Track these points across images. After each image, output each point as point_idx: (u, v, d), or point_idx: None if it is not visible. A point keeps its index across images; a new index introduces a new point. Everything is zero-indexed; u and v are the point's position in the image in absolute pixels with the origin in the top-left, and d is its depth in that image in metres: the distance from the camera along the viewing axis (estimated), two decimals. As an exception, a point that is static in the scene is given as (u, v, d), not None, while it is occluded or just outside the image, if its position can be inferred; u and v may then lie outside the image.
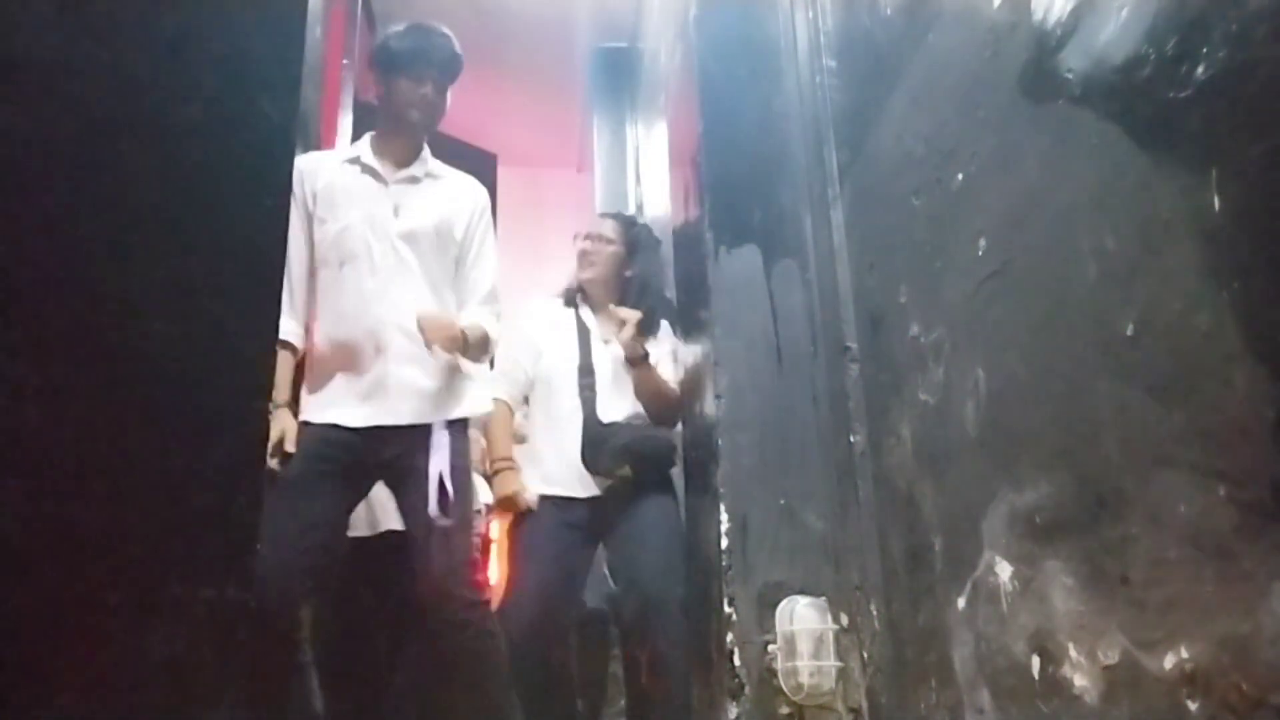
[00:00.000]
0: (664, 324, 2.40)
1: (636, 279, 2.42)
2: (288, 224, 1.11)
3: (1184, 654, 0.78)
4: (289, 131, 1.10)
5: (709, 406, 1.78)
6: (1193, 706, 0.76)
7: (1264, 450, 0.70)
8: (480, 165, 4.27)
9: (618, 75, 3.97)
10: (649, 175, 3.47)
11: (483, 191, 2.15)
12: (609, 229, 2.48)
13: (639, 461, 2.20)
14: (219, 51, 1.07)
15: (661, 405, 2.26)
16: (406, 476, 1.88)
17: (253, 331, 1.03)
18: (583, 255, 2.44)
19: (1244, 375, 0.72)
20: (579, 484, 2.24)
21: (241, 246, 1.04)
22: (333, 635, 2.38)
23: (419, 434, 1.89)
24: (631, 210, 3.60)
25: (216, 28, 1.08)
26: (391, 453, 1.88)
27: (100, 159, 0.99)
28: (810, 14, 1.90)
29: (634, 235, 2.50)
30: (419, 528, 1.84)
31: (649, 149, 3.45)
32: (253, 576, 0.96)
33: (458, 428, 1.96)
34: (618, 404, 2.27)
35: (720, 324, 1.78)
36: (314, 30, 2.42)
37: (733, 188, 1.86)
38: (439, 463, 1.86)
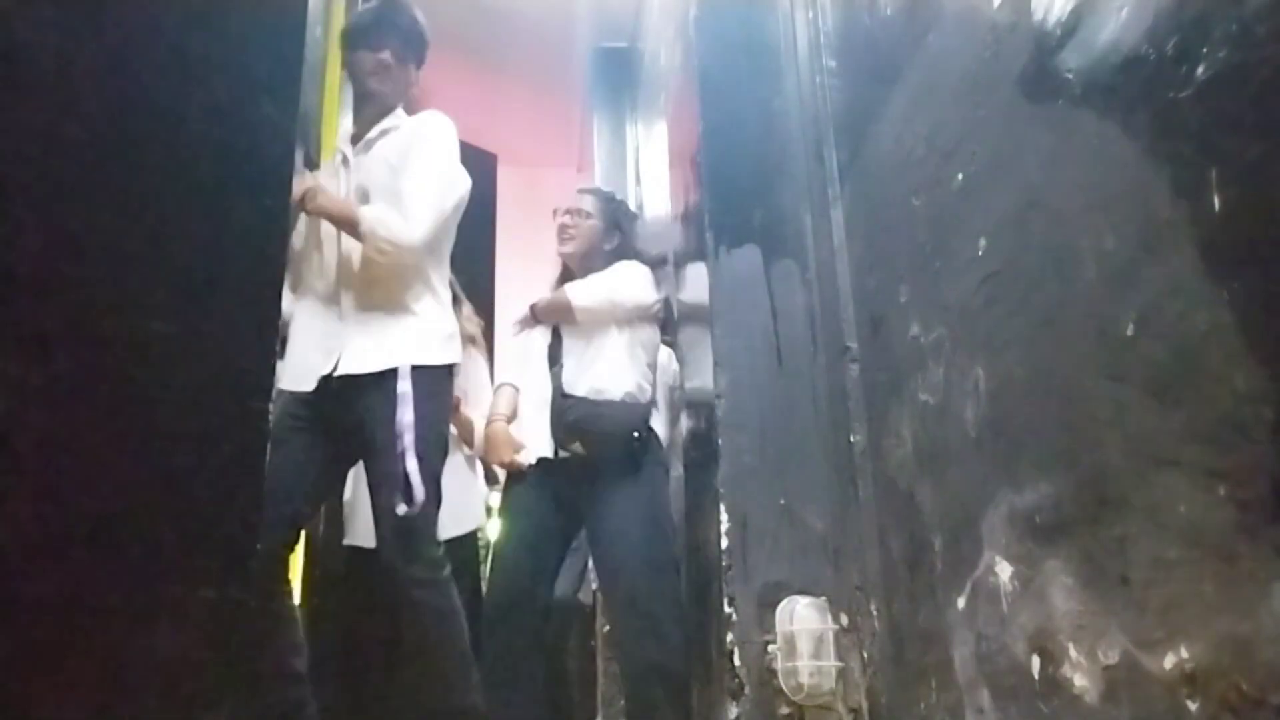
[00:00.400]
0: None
1: (617, 253, 2.44)
2: (288, 224, 1.11)
3: (1184, 654, 0.78)
4: (289, 131, 1.10)
5: (709, 406, 1.78)
6: (1193, 706, 0.76)
7: (1264, 450, 0.70)
8: (480, 165, 4.29)
9: (618, 75, 3.97)
10: (649, 175, 3.47)
11: (428, 120, 2.04)
12: (587, 203, 2.50)
13: (588, 439, 2.22)
14: (219, 51, 1.07)
15: (551, 312, 2.32)
16: (373, 442, 1.82)
17: (253, 331, 1.03)
18: (561, 230, 2.46)
19: (1244, 375, 0.72)
20: (548, 448, 2.27)
21: (241, 246, 1.04)
22: (332, 641, 2.40)
23: (383, 388, 1.83)
24: (632, 210, 3.62)
25: (217, 28, 1.08)
26: (356, 415, 1.84)
27: (100, 159, 0.99)
28: (810, 14, 1.90)
29: (613, 209, 2.52)
30: (379, 506, 1.82)
31: (649, 149, 3.45)
32: (253, 576, 0.96)
33: (425, 380, 1.87)
34: (579, 377, 2.29)
35: (720, 324, 1.78)
36: (314, 30, 2.43)
37: (733, 188, 1.87)
38: (405, 435, 1.79)
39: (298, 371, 1.89)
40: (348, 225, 1.89)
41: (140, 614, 0.90)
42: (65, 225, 0.96)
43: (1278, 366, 0.69)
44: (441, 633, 1.82)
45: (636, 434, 2.23)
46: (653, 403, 2.33)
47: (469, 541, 2.80)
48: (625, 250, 2.45)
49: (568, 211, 2.48)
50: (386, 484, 1.78)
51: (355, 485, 2.40)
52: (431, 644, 1.82)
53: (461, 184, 2.02)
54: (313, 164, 2.24)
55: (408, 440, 1.78)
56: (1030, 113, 1.06)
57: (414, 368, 1.84)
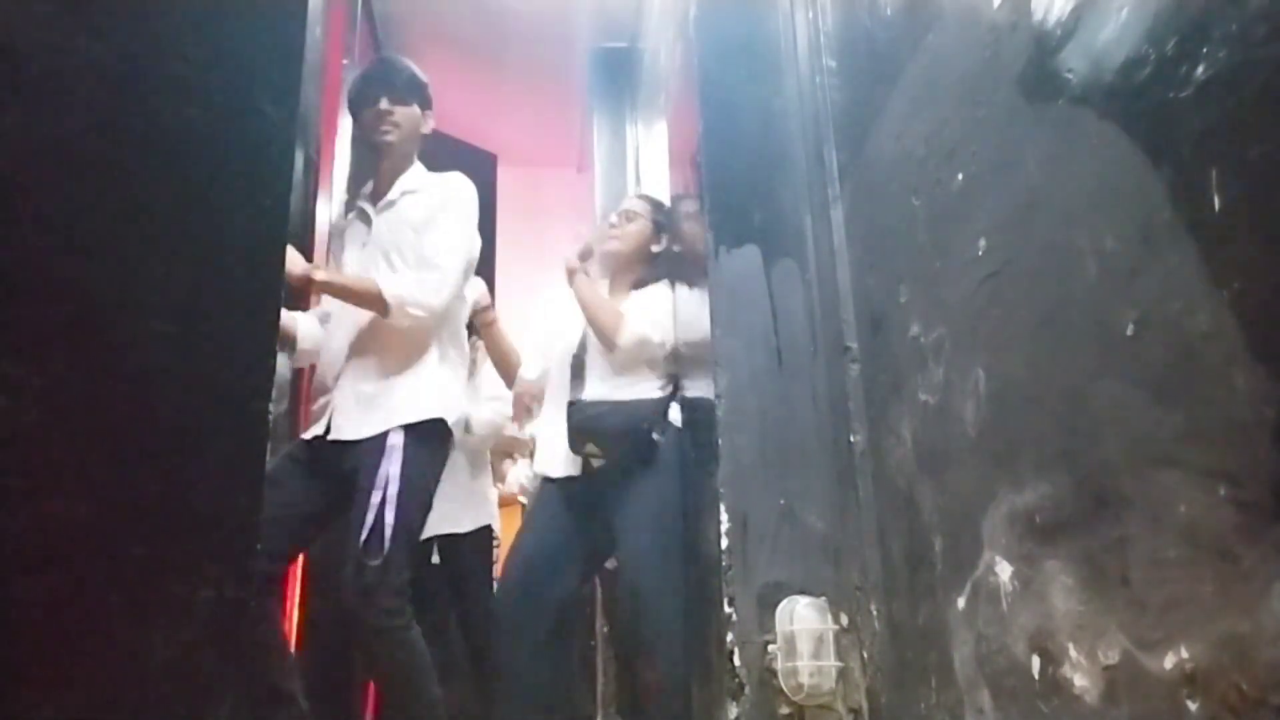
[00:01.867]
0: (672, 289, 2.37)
1: (665, 254, 2.39)
2: (287, 224, 1.11)
3: (1184, 654, 0.78)
4: (289, 131, 1.10)
5: (709, 406, 1.78)
6: (1193, 706, 0.76)
7: (1264, 450, 0.70)
8: (480, 165, 4.29)
9: (618, 75, 3.97)
10: (649, 175, 3.47)
11: (451, 183, 2.11)
12: (637, 205, 2.46)
13: (602, 440, 2.19)
14: (219, 51, 1.07)
15: (592, 321, 2.24)
16: (359, 489, 1.87)
17: (253, 332, 1.03)
18: (609, 229, 2.42)
19: (1244, 375, 0.72)
20: (566, 464, 2.26)
21: (241, 247, 1.04)
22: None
23: (371, 448, 1.89)
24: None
25: (216, 28, 1.08)
26: (350, 466, 1.90)
27: (99, 159, 0.99)
28: (810, 14, 1.90)
29: (664, 214, 2.48)
30: (349, 546, 1.84)
31: (649, 149, 3.45)
32: (253, 576, 0.96)
33: (417, 436, 1.91)
34: (593, 383, 2.27)
35: (720, 324, 1.78)
36: (314, 30, 2.43)
37: (733, 188, 1.86)
38: (389, 487, 1.83)
39: (311, 430, 1.96)
40: (368, 298, 1.91)
41: (140, 614, 0.90)
42: (64, 225, 0.96)
43: (1278, 366, 0.69)
44: (398, 682, 1.86)
45: (654, 433, 2.18)
46: (671, 398, 2.28)
47: (484, 535, 2.81)
48: (671, 256, 2.39)
49: (618, 214, 2.45)
50: (359, 530, 1.82)
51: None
52: (396, 673, 1.86)
53: (476, 245, 2.11)
54: (312, 164, 2.25)
55: (390, 492, 1.83)
56: (1030, 113, 1.06)
57: (405, 425, 1.90)
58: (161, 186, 1.02)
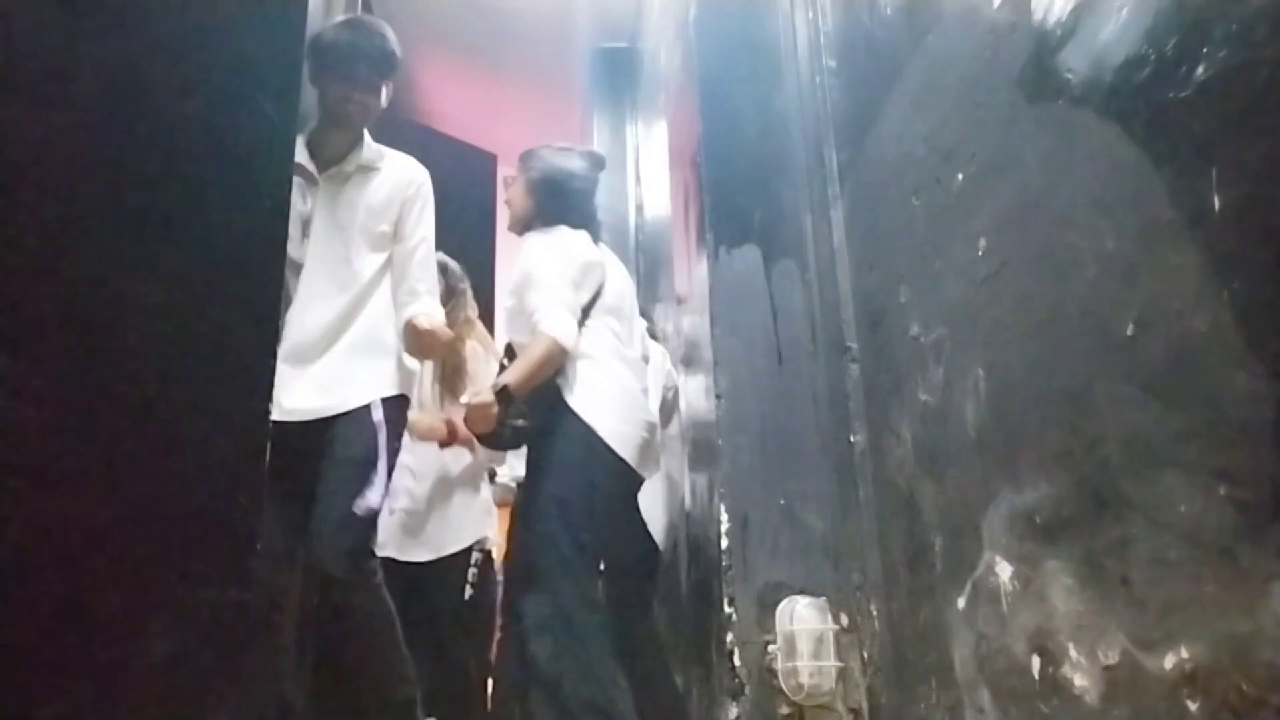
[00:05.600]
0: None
1: (539, 186, 2.20)
2: (287, 224, 1.11)
3: (1184, 654, 0.78)
4: (289, 131, 1.10)
5: (709, 406, 1.78)
6: (1193, 706, 0.76)
7: (1264, 450, 0.70)
8: (480, 165, 4.29)
9: (618, 75, 3.97)
10: (649, 175, 3.47)
11: (414, 172, 2.06)
12: (518, 166, 2.28)
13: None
14: (219, 51, 1.07)
15: (541, 370, 2.01)
16: (342, 459, 1.91)
17: (253, 331, 1.03)
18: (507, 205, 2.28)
19: (1244, 375, 0.72)
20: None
21: (241, 247, 1.04)
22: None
23: (355, 419, 1.93)
24: (631, 211, 3.62)
25: (216, 28, 1.08)
26: (328, 437, 1.91)
27: (99, 158, 0.99)
28: (810, 14, 1.90)
29: (536, 160, 2.27)
30: (324, 517, 1.87)
31: (649, 149, 3.45)
32: (253, 576, 0.96)
33: (393, 408, 1.97)
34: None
35: (720, 324, 1.78)
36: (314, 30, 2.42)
37: (733, 188, 1.87)
38: (379, 454, 1.92)
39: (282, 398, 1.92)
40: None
41: (140, 614, 0.90)
42: (64, 226, 0.96)
43: (1278, 366, 0.69)
44: (371, 633, 1.88)
45: (516, 420, 2.02)
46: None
47: (459, 560, 2.71)
48: (545, 179, 2.20)
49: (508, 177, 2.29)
50: (351, 492, 1.86)
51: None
52: (362, 645, 1.87)
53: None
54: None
55: (384, 462, 1.92)
56: (1030, 113, 1.06)
57: (384, 399, 1.95)
58: (162, 186, 1.02)
